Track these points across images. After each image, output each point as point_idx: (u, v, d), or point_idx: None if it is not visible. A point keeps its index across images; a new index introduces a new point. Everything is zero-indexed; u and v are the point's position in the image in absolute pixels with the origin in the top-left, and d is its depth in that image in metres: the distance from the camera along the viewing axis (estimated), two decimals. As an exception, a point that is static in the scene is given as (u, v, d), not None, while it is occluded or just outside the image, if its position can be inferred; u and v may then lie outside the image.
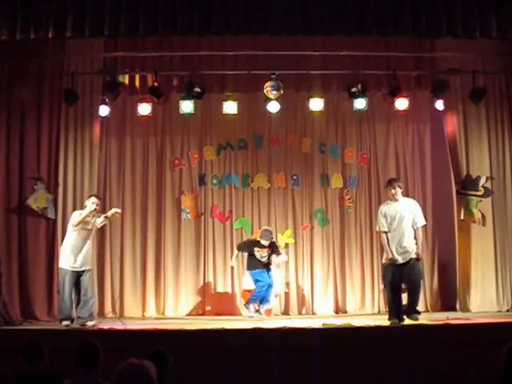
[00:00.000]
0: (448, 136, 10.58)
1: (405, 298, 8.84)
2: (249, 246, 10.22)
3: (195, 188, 11.04)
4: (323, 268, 10.95)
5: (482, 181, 10.39)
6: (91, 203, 8.87)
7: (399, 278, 8.54)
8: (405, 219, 8.58)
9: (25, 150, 9.77)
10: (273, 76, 9.76)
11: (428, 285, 10.80)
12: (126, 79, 10.56)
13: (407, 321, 8.50)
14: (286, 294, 10.87)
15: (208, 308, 10.81)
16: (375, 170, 11.15)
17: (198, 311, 10.80)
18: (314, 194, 11.08)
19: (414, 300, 8.63)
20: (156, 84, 9.99)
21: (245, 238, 10.78)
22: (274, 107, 10.08)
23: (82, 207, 10.16)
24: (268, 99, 9.94)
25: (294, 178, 11.08)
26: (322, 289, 10.90)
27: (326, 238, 11.02)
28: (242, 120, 10.88)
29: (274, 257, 10.19)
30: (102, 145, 10.65)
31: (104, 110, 10.15)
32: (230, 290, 10.85)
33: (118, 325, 8.70)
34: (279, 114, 10.41)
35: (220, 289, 10.90)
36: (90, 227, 8.89)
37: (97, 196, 9.24)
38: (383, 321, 8.75)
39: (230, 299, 10.74)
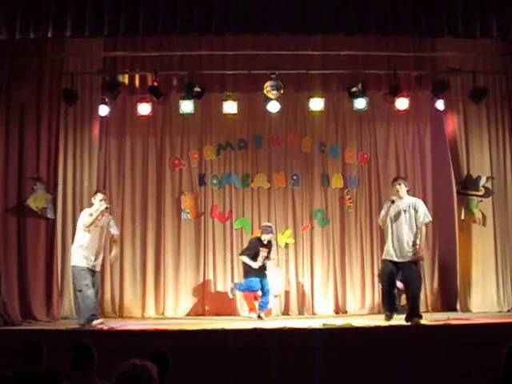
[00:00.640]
0: (448, 136, 10.56)
1: (404, 298, 8.87)
2: (254, 248, 9.99)
3: (195, 188, 11.02)
4: (323, 268, 10.94)
5: (483, 181, 10.38)
6: (98, 201, 8.84)
7: (394, 275, 8.62)
8: (405, 217, 8.58)
9: (24, 149, 9.73)
10: (273, 76, 9.75)
11: (428, 285, 10.80)
12: (125, 79, 10.56)
13: (403, 321, 8.50)
14: (286, 294, 10.86)
15: (208, 308, 10.80)
16: (375, 169, 11.14)
17: (198, 311, 10.79)
18: (314, 194, 11.07)
19: (414, 305, 8.58)
20: (156, 84, 9.97)
21: (245, 238, 10.75)
22: (274, 107, 10.07)
23: (82, 207, 10.18)
24: (268, 99, 9.93)
25: (294, 177, 11.07)
26: (322, 289, 10.89)
27: (326, 238, 11.01)
28: (241, 120, 10.88)
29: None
30: (101, 145, 10.64)
31: (104, 110, 10.14)
32: (229, 291, 10.82)
33: (118, 325, 8.68)
34: (279, 114, 10.40)
35: (220, 289, 10.89)
36: (101, 224, 8.88)
37: (102, 191, 9.24)
38: (383, 321, 8.74)
39: (230, 299, 10.71)
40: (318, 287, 10.89)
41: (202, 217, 10.99)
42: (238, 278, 10.78)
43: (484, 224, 10.36)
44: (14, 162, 9.67)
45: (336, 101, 10.96)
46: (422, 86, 10.65)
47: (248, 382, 7.16)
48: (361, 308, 10.83)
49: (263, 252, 9.94)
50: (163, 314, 10.71)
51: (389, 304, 8.71)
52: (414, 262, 8.55)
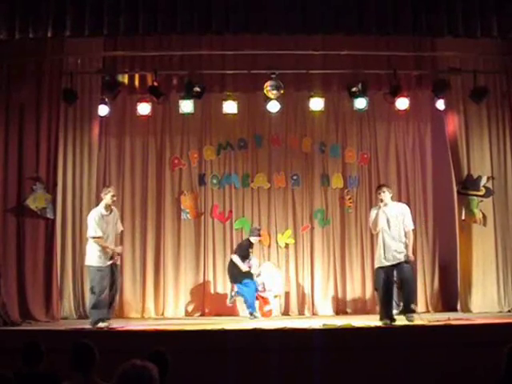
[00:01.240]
0: (449, 136, 10.55)
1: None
2: (245, 250, 10.25)
3: (195, 188, 11.01)
4: (323, 268, 10.93)
5: (483, 181, 10.37)
6: (111, 196, 8.84)
7: (390, 280, 8.73)
8: (393, 223, 8.72)
9: (23, 150, 9.72)
10: (273, 75, 9.73)
11: (429, 285, 10.80)
12: (125, 79, 10.54)
13: (403, 321, 8.54)
14: (286, 295, 10.84)
15: (207, 309, 10.78)
16: (376, 169, 11.13)
17: (198, 312, 10.77)
18: (315, 194, 11.05)
19: (407, 300, 8.74)
20: (155, 83, 9.96)
21: (245, 239, 10.73)
22: (274, 107, 10.05)
23: (82, 207, 10.20)
24: (268, 99, 9.92)
25: (294, 177, 11.05)
26: (322, 289, 10.87)
27: (326, 238, 11.00)
28: (241, 120, 10.87)
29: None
30: (101, 145, 10.63)
31: (103, 110, 10.12)
32: (229, 291, 10.80)
33: (118, 326, 8.66)
34: (279, 114, 10.39)
35: (220, 289, 10.87)
36: (111, 220, 8.86)
37: (108, 187, 9.24)
38: (381, 323, 8.74)
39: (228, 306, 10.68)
40: (318, 287, 10.88)
41: (202, 217, 10.98)
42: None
43: (484, 224, 10.35)
44: (14, 162, 9.66)
45: (336, 101, 10.95)
46: (422, 86, 10.63)
47: (248, 383, 7.16)
48: (361, 308, 10.80)
49: (252, 255, 10.13)
50: (163, 314, 10.69)
51: (386, 313, 8.68)
52: (406, 262, 8.71)
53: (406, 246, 8.75)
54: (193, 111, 10.20)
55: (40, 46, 9.51)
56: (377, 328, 8.24)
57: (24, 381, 4.55)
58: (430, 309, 10.68)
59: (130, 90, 10.61)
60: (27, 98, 9.79)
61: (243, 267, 10.12)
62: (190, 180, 11.01)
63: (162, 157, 10.97)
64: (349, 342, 7.59)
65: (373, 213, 8.91)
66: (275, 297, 10.55)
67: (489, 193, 10.37)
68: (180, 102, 10.13)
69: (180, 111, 10.20)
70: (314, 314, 10.72)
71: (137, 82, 10.64)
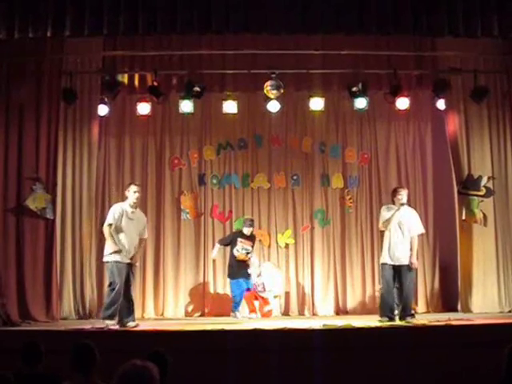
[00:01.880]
0: (449, 135, 10.53)
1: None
2: (230, 237, 10.34)
3: (195, 188, 11.00)
4: (324, 268, 10.92)
5: (484, 181, 10.35)
6: (133, 192, 8.70)
7: (393, 279, 8.85)
8: (403, 225, 8.87)
9: (23, 149, 9.70)
10: (273, 75, 9.72)
11: (429, 285, 10.80)
12: (125, 78, 10.51)
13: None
14: (286, 295, 10.83)
15: (207, 309, 10.76)
16: (376, 169, 11.12)
17: (198, 312, 10.76)
18: (315, 194, 11.04)
19: (406, 304, 8.84)
20: (155, 83, 9.94)
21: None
22: (274, 106, 10.05)
23: (81, 207, 10.18)
24: (268, 98, 9.91)
25: (295, 177, 11.04)
26: (322, 289, 10.87)
27: (326, 238, 10.99)
28: (241, 119, 10.86)
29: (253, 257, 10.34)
30: (100, 144, 10.62)
31: (103, 110, 10.12)
32: (229, 291, 10.79)
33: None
34: (279, 114, 10.39)
35: (219, 290, 10.86)
36: (134, 217, 8.70)
37: (135, 183, 9.11)
38: (380, 320, 8.77)
39: (230, 300, 10.67)
40: (319, 288, 10.87)
41: (202, 217, 10.97)
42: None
43: (485, 224, 10.33)
44: (13, 162, 9.64)
45: (336, 100, 10.94)
46: (422, 86, 10.62)
47: (248, 383, 7.14)
48: (361, 308, 10.79)
49: (244, 244, 10.01)
50: (163, 314, 10.68)
51: (386, 310, 8.84)
52: (409, 266, 8.84)
53: (411, 251, 8.85)
54: (193, 111, 10.20)
55: (39, 45, 9.49)
56: (377, 328, 8.22)
57: (24, 381, 4.54)
58: (431, 309, 10.68)
59: (129, 89, 10.59)
60: (27, 97, 9.77)
61: (213, 255, 10.44)
62: (189, 180, 11.00)
63: (162, 157, 10.96)
64: (349, 342, 7.57)
65: (387, 212, 8.98)
66: (275, 297, 10.54)
67: (489, 193, 10.35)
68: (180, 101, 10.12)
69: (180, 111, 10.20)
70: (314, 314, 10.71)
71: (136, 82, 10.62)
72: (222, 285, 10.86)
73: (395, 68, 10.04)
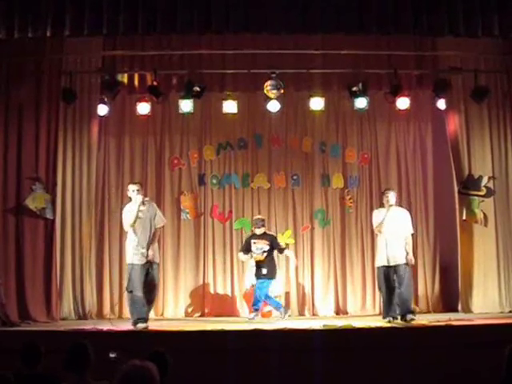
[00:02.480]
0: (450, 135, 10.52)
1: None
2: (246, 242, 9.98)
3: (195, 188, 10.99)
4: (324, 269, 10.90)
5: (484, 181, 10.34)
6: (132, 191, 8.73)
7: (391, 279, 8.92)
8: (395, 226, 8.96)
9: (23, 149, 9.71)
10: (273, 75, 9.70)
11: (430, 285, 10.78)
12: (124, 78, 10.51)
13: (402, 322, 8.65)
14: (286, 295, 10.81)
15: (207, 309, 10.75)
16: (376, 169, 11.10)
17: (198, 312, 10.74)
18: (315, 194, 11.02)
19: (406, 303, 8.86)
20: (155, 83, 9.93)
21: (245, 239, 10.67)
22: (274, 106, 10.03)
23: (81, 207, 10.17)
24: (268, 98, 9.89)
25: (295, 177, 11.02)
26: (322, 290, 10.85)
27: (326, 238, 10.97)
28: (241, 119, 10.84)
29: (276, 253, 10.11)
30: (100, 144, 10.60)
31: (103, 110, 10.09)
32: (229, 291, 10.80)
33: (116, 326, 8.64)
34: (279, 114, 10.36)
35: (220, 290, 10.85)
36: (144, 216, 8.66)
37: (134, 182, 9.14)
38: (384, 322, 8.77)
39: (230, 300, 10.68)
40: (319, 288, 10.85)
41: (202, 217, 10.95)
42: (238, 278, 10.77)
43: (486, 224, 10.32)
44: (13, 162, 9.65)
45: (336, 100, 10.92)
46: (423, 86, 10.60)
47: (248, 383, 7.13)
48: (361, 309, 10.78)
49: (258, 244, 9.79)
50: (163, 314, 10.67)
51: (389, 311, 8.93)
52: (406, 264, 8.90)
53: (406, 250, 8.95)
54: (192, 111, 10.18)
55: (39, 45, 9.50)
56: (377, 328, 8.23)
57: (23, 381, 4.53)
58: (431, 309, 10.65)
59: (129, 89, 10.58)
60: (26, 97, 9.77)
61: (244, 258, 10.02)
62: (189, 180, 10.99)
63: (162, 157, 10.94)
64: (349, 342, 7.58)
65: (378, 214, 9.13)
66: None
67: (490, 193, 10.34)
68: (180, 101, 10.10)
69: (180, 111, 10.18)
70: (314, 314, 10.69)
71: (136, 82, 10.61)
72: (222, 285, 10.84)
73: (395, 68, 10.02)
